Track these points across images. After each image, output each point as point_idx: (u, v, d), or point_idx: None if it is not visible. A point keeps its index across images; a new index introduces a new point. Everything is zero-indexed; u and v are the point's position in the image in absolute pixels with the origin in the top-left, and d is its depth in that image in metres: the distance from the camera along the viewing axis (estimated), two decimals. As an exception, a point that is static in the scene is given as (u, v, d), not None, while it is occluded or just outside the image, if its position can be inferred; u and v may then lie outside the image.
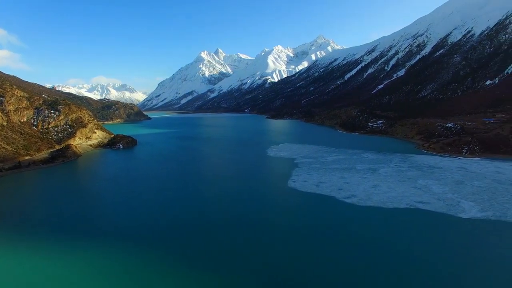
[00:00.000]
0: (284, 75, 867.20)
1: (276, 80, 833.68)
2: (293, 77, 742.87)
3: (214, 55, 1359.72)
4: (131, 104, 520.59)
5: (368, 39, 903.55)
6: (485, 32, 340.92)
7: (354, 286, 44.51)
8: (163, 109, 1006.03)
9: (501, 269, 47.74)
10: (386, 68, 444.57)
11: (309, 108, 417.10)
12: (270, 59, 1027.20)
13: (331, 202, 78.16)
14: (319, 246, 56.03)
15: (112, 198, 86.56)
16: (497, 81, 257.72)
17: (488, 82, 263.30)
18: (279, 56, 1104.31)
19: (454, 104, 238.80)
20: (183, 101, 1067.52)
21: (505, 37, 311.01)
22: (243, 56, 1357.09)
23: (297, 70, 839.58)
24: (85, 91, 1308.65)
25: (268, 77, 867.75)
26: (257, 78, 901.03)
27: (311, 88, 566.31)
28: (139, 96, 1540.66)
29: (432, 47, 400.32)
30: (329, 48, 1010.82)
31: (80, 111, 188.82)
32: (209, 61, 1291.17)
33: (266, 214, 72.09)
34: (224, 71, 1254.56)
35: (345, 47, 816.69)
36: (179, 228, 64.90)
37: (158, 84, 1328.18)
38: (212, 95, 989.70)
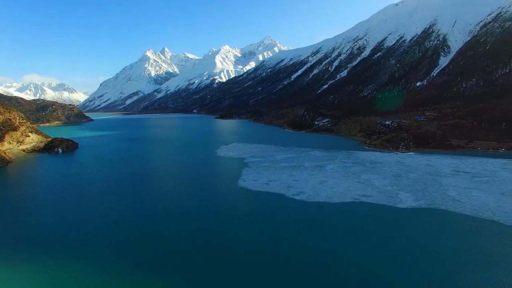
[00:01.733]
0: (232, 75, 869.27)
1: (224, 80, 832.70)
2: (241, 77, 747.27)
3: (160, 54, 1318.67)
4: (70, 105, 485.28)
5: (313, 41, 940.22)
6: (414, 39, 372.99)
7: (303, 279, 46.44)
8: (106, 110, 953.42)
9: (432, 251, 52.82)
10: (330, 69, 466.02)
11: (257, 108, 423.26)
12: (218, 59, 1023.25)
13: (281, 199, 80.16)
14: (269, 243, 57.43)
15: (51, 206, 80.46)
16: (425, 83, 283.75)
17: (418, 84, 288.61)
18: (226, 56, 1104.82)
19: (391, 103, 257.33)
20: (128, 101, 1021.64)
21: (430, 43, 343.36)
22: (191, 56, 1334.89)
23: (245, 70, 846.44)
24: (15, 91, 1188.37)
25: (216, 77, 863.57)
26: (205, 78, 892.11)
27: (259, 88, 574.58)
28: (79, 97, 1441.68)
29: (371, 50, 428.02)
30: (276, 49, 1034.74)
31: (9, 112, 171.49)
32: (155, 60, 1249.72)
33: (217, 214, 72.14)
34: (171, 71, 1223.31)
35: (291, 48, 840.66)
36: (124, 233, 62.39)
37: (100, 84, 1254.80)
38: (159, 95, 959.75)
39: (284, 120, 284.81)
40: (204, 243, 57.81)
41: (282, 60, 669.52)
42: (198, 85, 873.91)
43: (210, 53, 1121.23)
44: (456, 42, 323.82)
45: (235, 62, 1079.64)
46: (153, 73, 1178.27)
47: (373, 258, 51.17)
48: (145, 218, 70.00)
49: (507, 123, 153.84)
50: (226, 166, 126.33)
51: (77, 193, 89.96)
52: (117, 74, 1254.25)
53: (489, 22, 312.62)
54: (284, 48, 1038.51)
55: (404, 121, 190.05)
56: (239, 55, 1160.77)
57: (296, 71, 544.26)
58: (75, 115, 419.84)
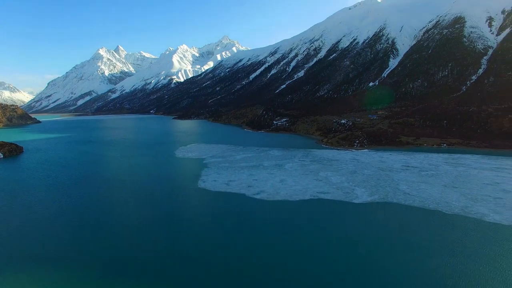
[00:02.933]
0: (190, 75, 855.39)
1: (182, 80, 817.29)
2: (199, 77, 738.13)
3: (114, 52, 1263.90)
4: (12, 105, 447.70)
5: (270, 41, 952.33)
6: (366, 41, 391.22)
7: (261, 276, 46.82)
8: (56, 111, 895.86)
9: (385, 243, 55.80)
10: (287, 69, 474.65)
11: (216, 108, 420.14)
12: (175, 59, 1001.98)
13: (242, 199, 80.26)
14: (231, 242, 57.34)
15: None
16: (377, 83, 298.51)
17: (371, 84, 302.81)
18: (184, 56, 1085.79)
19: (346, 102, 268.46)
20: (80, 102, 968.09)
21: (380, 46, 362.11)
22: (147, 55, 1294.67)
23: (203, 70, 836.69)
24: None
25: (173, 77, 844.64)
26: (162, 78, 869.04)
27: (218, 88, 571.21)
28: (23, 97, 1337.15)
29: (327, 51, 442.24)
30: (234, 49, 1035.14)
31: None
32: (108, 59, 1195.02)
33: (177, 216, 70.72)
34: (126, 70, 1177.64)
35: (249, 48, 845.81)
36: (70, 243, 59.07)
37: (48, 83, 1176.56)
38: (114, 96, 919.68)
39: (243, 120, 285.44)
40: (162, 245, 56.30)
41: (240, 60, 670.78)
42: (155, 85, 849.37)
43: (167, 52, 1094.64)
44: (404, 45, 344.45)
45: (193, 62, 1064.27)
46: (107, 72, 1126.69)
47: (331, 252, 53.01)
48: (94, 224, 66.70)
49: (447, 121, 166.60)
50: (185, 167, 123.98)
51: (21, 200, 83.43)
52: (67, 72, 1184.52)
53: (430, 29, 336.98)
54: (242, 48, 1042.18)
55: (359, 119, 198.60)
56: (197, 54, 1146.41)
57: (255, 71, 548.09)
58: (19, 117, 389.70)
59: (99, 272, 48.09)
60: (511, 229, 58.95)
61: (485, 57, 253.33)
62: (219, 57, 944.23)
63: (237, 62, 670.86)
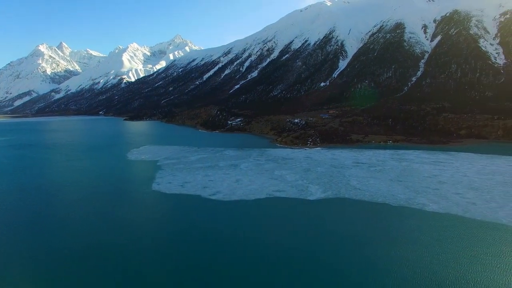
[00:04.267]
0: (142, 75, 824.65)
1: (133, 79, 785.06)
2: (151, 77, 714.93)
3: (57, 49, 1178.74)
4: None
5: (224, 41, 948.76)
6: (317, 43, 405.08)
7: (220, 276, 46.56)
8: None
9: (338, 236, 58.26)
10: (241, 69, 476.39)
11: (169, 109, 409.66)
12: (125, 57, 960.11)
13: (197, 200, 79.14)
14: (186, 244, 56.39)
15: None
16: (328, 83, 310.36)
17: (322, 84, 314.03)
18: (135, 55, 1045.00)
19: (299, 102, 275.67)
20: (18, 102, 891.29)
21: (331, 48, 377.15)
22: (94, 53, 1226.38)
23: (155, 70, 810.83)
24: None
25: (124, 77, 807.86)
26: (111, 77, 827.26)
27: (171, 88, 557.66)
28: None
29: (279, 52, 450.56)
30: (187, 48, 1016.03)
31: None
32: (51, 56, 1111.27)
33: (130, 220, 67.92)
34: (72, 69, 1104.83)
35: (202, 48, 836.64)
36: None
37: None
38: (58, 96, 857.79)
39: (197, 120, 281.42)
40: (114, 250, 53.74)
41: (193, 60, 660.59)
42: (104, 85, 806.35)
43: (117, 50, 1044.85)
44: (352, 47, 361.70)
45: (144, 61, 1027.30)
46: (49, 71, 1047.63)
47: (286, 248, 54.06)
48: (39, 232, 61.92)
49: (392, 119, 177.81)
50: (138, 170, 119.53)
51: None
52: (0, 69, 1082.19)
53: (375, 33, 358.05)
54: (195, 47, 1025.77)
55: (311, 119, 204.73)
56: (149, 53, 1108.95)
57: (208, 71, 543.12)
58: None
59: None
60: (446, 216, 64.38)
61: (422, 60, 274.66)
62: (171, 57, 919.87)
63: (190, 62, 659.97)
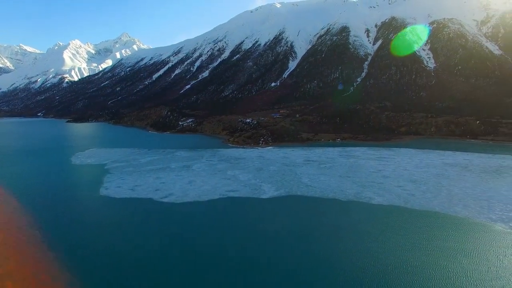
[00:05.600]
0: (86, 74, 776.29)
1: (76, 79, 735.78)
2: (96, 76, 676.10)
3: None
4: None
5: (174, 40, 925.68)
6: (268, 44, 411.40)
7: (172, 278, 45.29)
8: None
9: (291, 232, 59.43)
10: (192, 69, 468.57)
11: (117, 110, 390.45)
12: (66, 55, 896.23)
13: (149, 204, 76.25)
14: (137, 249, 53.95)
15: None
16: (278, 84, 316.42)
17: (273, 84, 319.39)
18: (77, 52, 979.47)
19: (250, 102, 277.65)
20: None
21: (281, 49, 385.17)
22: (29, 49, 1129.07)
23: (101, 69, 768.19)
24: None
25: (65, 76, 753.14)
26: (51, 76, 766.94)
27: (118, 88, 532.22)
28: None
29: (230, 52, 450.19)
30: (135, 47, 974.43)
31: None
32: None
33: (76, 229, 63.28)
34: (2, 66, 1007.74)
35: (151, 47, 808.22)
36: None
37: None
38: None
39: (147, 121, 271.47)
40: (61, 257, 49.77)
41: (142, 59, 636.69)
42: (42, 84, 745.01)
43: (57, 47, 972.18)
44: (301, 49, 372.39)
45: (88, 60, 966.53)
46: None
47: (241, 248, 54.12)
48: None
49: (340, 118, 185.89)
50: (84, 174, 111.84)
51: None
52: None
53: (322, 35, 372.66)
54: (144, 46, 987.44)
55: (263, 118, 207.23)
56: (93, 51, 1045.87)
57: (158, 70, 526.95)
58: None
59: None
60: (390, 208, 68.75)
61: (366, 62, 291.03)
62: (118, 55, 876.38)
63: (139, 61, 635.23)
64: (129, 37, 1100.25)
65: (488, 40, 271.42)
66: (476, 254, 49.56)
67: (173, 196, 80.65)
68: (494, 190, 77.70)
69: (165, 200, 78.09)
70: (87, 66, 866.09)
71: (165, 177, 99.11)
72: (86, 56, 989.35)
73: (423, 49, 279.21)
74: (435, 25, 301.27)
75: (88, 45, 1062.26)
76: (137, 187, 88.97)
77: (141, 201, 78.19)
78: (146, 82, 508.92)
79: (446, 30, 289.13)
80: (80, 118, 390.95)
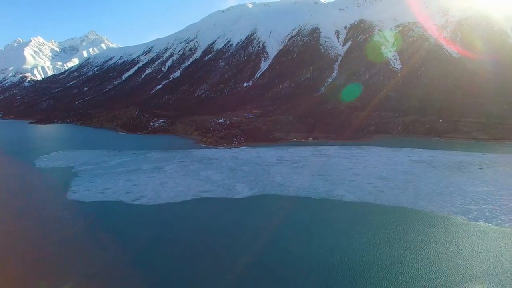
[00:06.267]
0: (50, 73, 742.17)
1: (40, 78, 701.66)
2: (62, 76, 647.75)
3: None
4: None
5: (144, 39, 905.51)
6: (240, 44, 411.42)
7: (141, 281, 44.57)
8: None
9: (264, 231, 59.90)
10: (163, 69, 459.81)
11: (85, 110, 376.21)
12: (28, 52, 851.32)
13: (120, 207, 74.38)
14: (108, 253, 52.61)
15: None
16: (251, 84, 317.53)
17: (245, 84, 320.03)
18: (40, 50, 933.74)
19: (223, 102, 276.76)
20: None
21: (253, 49, 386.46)
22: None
23: (67, 68, 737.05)
24: None
25: (27, 74, 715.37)
26: (10, 74, 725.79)
27: (86, 88, 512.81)
28: None
29: (202, 52, 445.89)
30: (103, 46, 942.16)
31: None
32: None
33: (44, 234, 60.66)
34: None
35: (120, 46, 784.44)
36: None
37: None
38: None
39: (117, 122, 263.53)
40: (29, 265, 47.48)
41: (111, 58, 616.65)
42: (1, 83, 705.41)
43: (16, 44, 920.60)
44: (273, 49, 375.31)
45: (52, 58, 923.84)
46: None
47: (214, 249, 54.02)
48: None
49: (312, 118, 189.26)
50: (50, 178, 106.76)
51: None
52: None
53: (294, 36, 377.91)
54: (112, 45, 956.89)
55: (235, 118, 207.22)
56: (58, 49, 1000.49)
57: (128, 70, 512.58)
58: None
59: None
60: (361, 204, 71.01)
61: (336, 63, 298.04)
62: (85, 54, 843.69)
63: (108, 60, 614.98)
64: (97, 35, 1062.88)
65: (448, 44, 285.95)
66: (439, 245, 52.38)
67: (145, 198, 79.15)
68: (455, 185, 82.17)
69: (137, 202, 76.53)
70: (51, 64, 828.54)
71: (137, 179, 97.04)
72: (50, 54, 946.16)
73: (390, 51, 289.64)
74: (400, 28, 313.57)
75: (52, 42, 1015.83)
76: (107, 190, 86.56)
77: (111, 204, 76.21)
78: (116, 82, 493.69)
79: (411, 33, 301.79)
80: (44, 119, 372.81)
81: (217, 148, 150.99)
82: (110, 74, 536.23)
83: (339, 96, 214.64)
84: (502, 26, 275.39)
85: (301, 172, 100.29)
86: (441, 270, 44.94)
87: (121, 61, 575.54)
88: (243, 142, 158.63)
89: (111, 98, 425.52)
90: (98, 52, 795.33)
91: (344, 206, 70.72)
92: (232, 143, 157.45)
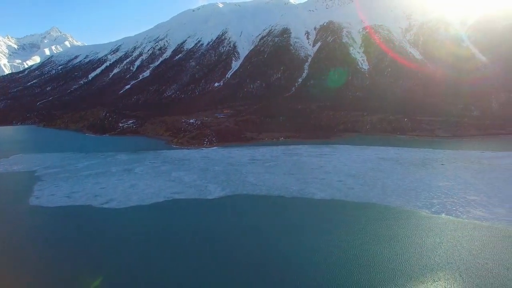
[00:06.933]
0: (8, 71, 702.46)
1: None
2: (21, 74, 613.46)
3: None
4: None
5: (111, 38, 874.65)
6: (210, 43, 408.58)
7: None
8: None
9: (237, 231, 60.01)
10: (132, 68, 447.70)
11: (48, 111, 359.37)
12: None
13: (88, 211, 71.49)
14: (76, 260, 50.54)
15: None
16: (222, 84, 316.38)
17: (216, 84, 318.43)
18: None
19: (194, 102, 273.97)
20: None
21: (224, 49, 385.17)
22: None
23: (27, 66, 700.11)
24: None
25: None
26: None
27: (48, 88, 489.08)
28: None
29: (172, 51, 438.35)
30: (67, 43, 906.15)
31: None
32: None
33: (6, 245, 57.43)
34: None
35: (86, 44, 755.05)
36: None
37: None
38: None
39: (83, 123, 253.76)
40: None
41: (76, 57, 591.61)
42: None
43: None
44: (244, 49, 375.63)
45: (10, 55, 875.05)
46: None
47: (188, 249, 53.44)
48: None
49: (283, 117, 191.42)
50: (9, 183, 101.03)
51: None
52: None
53: (265, 36, 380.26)
54: (77, 43, 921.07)
55: (207, 118, 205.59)
56: (16, 46, 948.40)
57: (94, 69, 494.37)
58: None
59: None
60: (332, 202, 72.52)
61: (306, 63, 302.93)
62: (47, 52, 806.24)
63: (72, 59, 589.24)
64: (60, 32, 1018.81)
65: (411, 46, 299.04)
66: (406, 239, 54.63)
67: (114, 201, 76.67)
68: (420, 180, 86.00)
69: (106, 206, 74.01)
70: (8, 62, 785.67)
71: (105, 182, 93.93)
72: (6, 51, 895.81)
73: (357, 52, 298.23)
74: (367, 30, 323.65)
75: (9, 38, 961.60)
76: (74, 194, 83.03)
77: (78, 209, 73.10)
78: (82, 82, 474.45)
79: (377, 35, 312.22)
80: (2, 120, 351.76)
81: (189, 149, 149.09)
82: (76, 73, 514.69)
83: (310, 95, 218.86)
84: (458, 31, 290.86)
85: (273, 171, 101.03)
86: (407, 262, 46.83)
87: (87, 60, 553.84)
88: (214, 142, 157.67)
89: (76, 98, 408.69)
90: (61, 50, 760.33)
91: (316, 204, 71.95)
92: (204, 143, 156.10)
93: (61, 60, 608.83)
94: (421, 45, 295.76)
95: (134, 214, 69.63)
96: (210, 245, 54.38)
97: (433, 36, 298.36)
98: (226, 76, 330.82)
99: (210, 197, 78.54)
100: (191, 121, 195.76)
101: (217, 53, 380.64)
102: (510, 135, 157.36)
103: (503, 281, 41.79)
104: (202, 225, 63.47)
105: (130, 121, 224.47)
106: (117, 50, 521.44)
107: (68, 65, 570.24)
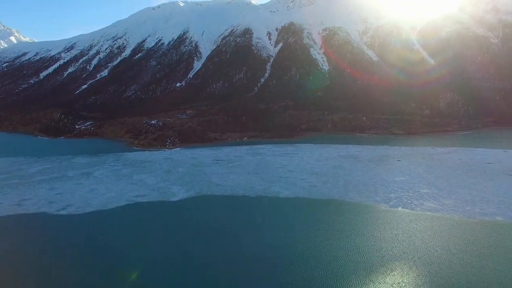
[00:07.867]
0: None
1: None
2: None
3: None
4: None
5: (64, 35, 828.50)
6: (171, 43, 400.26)
7: None
8: None
9: (202, 230, 59.41)
10: (88, 67, 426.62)
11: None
12: None
13: (42, 219, 67.49)
14: (36, 270, 47.56)
15: None
16: (184, 84, 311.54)
17: (178, 84, 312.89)
18: None
19: (155, 103, 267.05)
20: None
21: (185, 48, 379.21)
22: None
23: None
24: None
25: None
26: None
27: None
28: None
29: (132, 50, 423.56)
30: (13, 39, 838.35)
31: None
32: None
33: None
34: None
35: (36, 40, 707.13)
36: None
37: None
38: None
39: (35, 125, 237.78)
40: None
41: (24, 54, 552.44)
42: None
43: None
44: (206, 49, 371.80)
45: None
46: None
47: (151, 252, 52.11)
48: None
49: (246, 117, 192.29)
50: None
51: None
52: None
53: (227, 36, 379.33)
54: (26, 39, 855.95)
55: (169, 119, 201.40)
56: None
57: (46, 68, 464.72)
58: None
59: None
60: (296, 200, 74.17)
61: (268, 64, 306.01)
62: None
63: (20, 56, 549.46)
64: (4, 26, 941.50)
65: (368, 48, 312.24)
66: (366, 232, 57.37)
67: (72, 207, 73.05)
68: (378, 176, 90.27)
69: (63, 212, 70.38)
70: None
71: (61, 187, 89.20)
72: None
73: (318, 53, 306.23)
74: (327, 32, 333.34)
75: None
76: (24, 202, 77.84)
77: (31, 217, 68.95)
78: (32, 81, 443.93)
79: (336, 37, 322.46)
80: None
81: (151, 151, 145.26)
82: (24, 71, 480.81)
83: (273, 95, 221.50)
84: (409, 35, 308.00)
85: (237, 171, 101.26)
86: (367, 254, 49.11)
87: (37, 57, 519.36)
88: (177, 144, 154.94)
89: (26, 99, 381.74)
90: (7, 46, 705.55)
91: (280, 202, 73.13)
92: (166, 144, 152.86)
93: (7, 56, 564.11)
94: (377, 47, 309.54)
95: (94, 220, 66.96)
96: (174, 248, 53.61)
97: (387, 39, 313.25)
98: (188, 76, 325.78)
99: (174, 199, 77.28)
100: (153, 122, 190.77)
101: (178, 53, 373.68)
102: (456, 132, 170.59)
103: (449, 265, 45.50)
104: (166, 228, 62.45)
105: (87, 123, 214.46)
106: (71, 48, 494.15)
107: (15, 62, 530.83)
